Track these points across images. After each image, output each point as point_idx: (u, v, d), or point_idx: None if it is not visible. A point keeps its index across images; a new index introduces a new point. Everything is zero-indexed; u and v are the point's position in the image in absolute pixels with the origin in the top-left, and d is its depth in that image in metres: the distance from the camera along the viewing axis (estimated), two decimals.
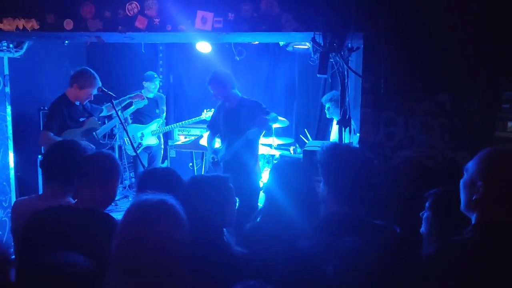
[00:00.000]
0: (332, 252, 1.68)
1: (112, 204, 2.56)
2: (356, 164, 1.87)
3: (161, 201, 1.57)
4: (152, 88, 5.73)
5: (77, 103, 4.23)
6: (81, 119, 4.25)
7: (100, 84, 4.22)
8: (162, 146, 6.22)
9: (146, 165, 5.66)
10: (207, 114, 5.78)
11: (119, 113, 4.20)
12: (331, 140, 5.29)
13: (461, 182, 1.69)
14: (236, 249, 2.07)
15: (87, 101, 4.33)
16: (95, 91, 4.22)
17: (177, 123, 6.12)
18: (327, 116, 5.28)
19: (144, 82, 5.78)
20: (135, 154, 5.40)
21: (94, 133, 4.35)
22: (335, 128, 5.25)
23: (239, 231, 2.27)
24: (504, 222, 1.55)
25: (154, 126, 5.88)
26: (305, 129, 5.85)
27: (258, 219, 2.28)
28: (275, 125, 4.87)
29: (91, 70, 4.27)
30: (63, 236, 1.94)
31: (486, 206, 1.57)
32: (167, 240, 1.50)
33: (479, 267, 1.48)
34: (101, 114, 4.73)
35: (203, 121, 6.00)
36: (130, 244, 1.48)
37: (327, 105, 5.09)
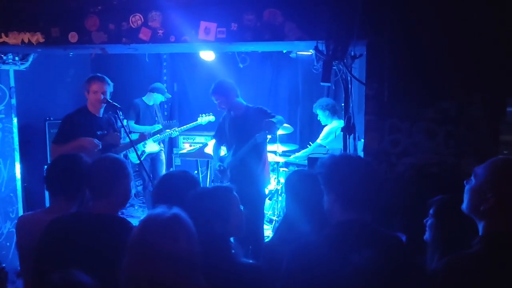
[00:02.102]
0: (343, 264, 1.68)
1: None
2: (358, 170, 1.87)
3: (174, 216, 1.57)
4: (158, 100, 5.91)
5: (99, 115, 4.02)
6: (99, 133, 3.97)
7: (109, 83, 4.00)
8: (164, 151, 6.24)
9: (149, 172, 5.68)
10: (203, 119, 5.84)
11: (124, 122, 4.21)
12: (318, 141, 5.39)
13: (468, 187, 1.67)
14: (243, 259, 2.08)
15: (113, 115, 4.20)
16: (107, 90, 3.96)
17: (176, 129, 6.10)
18: (322, 123, 5.37)
19: (153, 93, 5.87)
20: (139, 161, 5.42)
21: (113, 149, 4.04)
22: (324, 130, 5.37)
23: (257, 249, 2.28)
24: None
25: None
26: (310, 143, 5.82)
27: (275, 236, 2.30)
28: (279, 132, 4.88)
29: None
30: (80, 242, 1.98)
31: (496, 217, 1.56)
32: (181, 254, 1.50)
33: (489, 282, 1.47)
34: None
35: (207, 129, 6.02)
36: (145, 261, 1.48)
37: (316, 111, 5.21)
